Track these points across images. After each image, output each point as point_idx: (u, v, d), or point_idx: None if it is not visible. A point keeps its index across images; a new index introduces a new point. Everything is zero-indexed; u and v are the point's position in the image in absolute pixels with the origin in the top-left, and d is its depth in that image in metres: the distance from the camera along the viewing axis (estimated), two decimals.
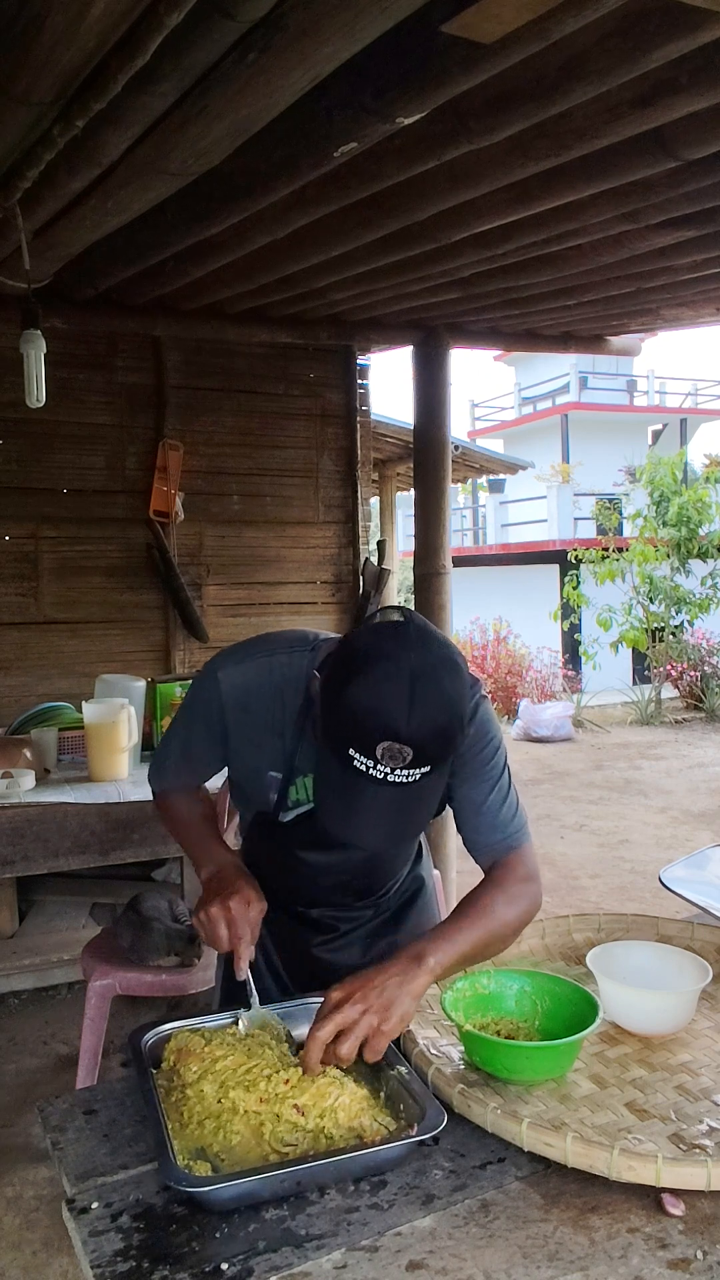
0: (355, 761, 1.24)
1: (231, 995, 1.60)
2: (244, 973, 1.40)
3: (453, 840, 4.30)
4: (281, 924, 1.67)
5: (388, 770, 1.23)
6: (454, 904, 1.49)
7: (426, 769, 1.25)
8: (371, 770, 1.23)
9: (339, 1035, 1.21)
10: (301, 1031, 1.40)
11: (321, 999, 1.28)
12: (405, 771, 1.24)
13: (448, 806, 1.63)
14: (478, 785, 1.52)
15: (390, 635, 1.28)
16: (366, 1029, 1.20)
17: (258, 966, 1.58)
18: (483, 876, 1.51)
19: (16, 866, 3.10)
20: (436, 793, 1.34)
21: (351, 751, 1.24)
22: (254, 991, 1.40)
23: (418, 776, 1.25)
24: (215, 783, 1.91)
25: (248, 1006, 1.40)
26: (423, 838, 1.81)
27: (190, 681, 1.70)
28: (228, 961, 1.62)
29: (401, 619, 1.31)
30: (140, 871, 4.08)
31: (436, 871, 1.85)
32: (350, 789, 1.27)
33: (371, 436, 5.28)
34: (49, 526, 4.37)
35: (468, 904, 1.44)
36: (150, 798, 1.76)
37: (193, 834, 1.67)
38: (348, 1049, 1.19)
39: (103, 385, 4.43)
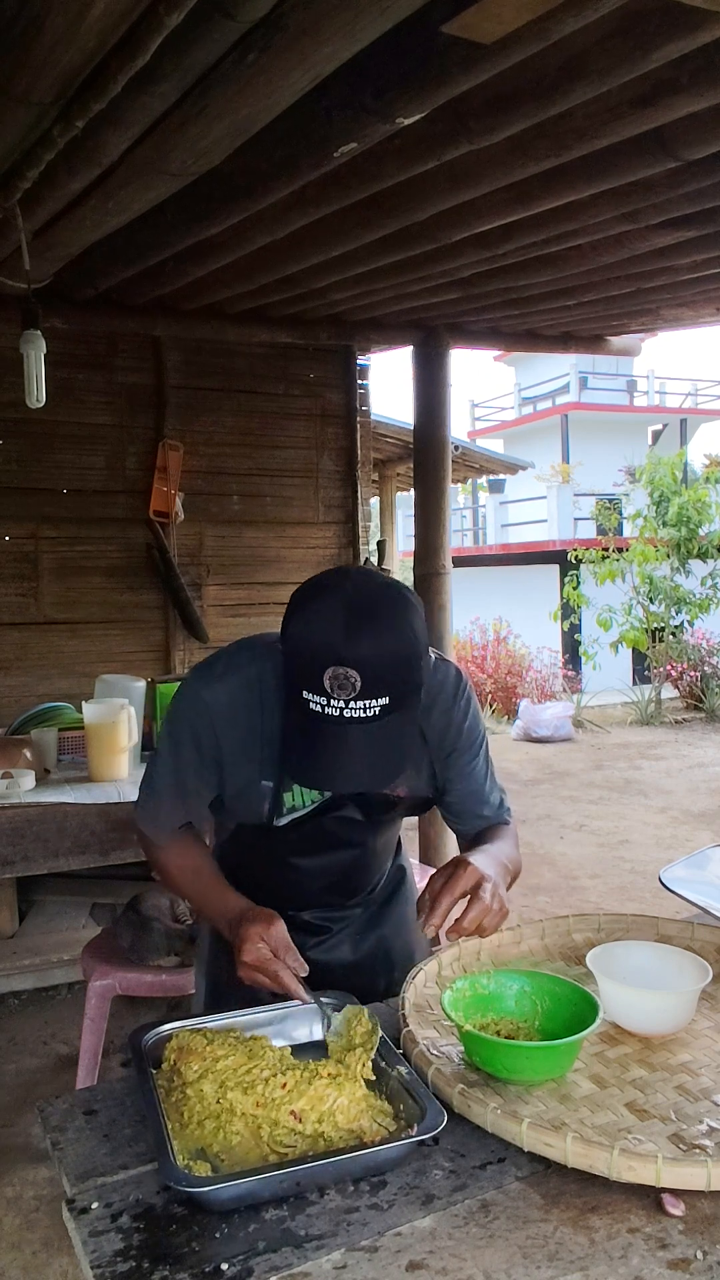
0: (311, 704, 1.24)
1: (220, 1002, 1.59)
2: (305, 998, 1.35)
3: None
4: None
5: (342, 705, 1.23)
6: None
7: (384, 700, 1.24)
8: (327, 709, 1.23)
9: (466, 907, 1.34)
10: (302, 1033, 1.40)
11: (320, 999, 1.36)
12: (361, 704, 1.23)
13: (433, 805, 1.65)
14: (471, 771, 1.60)
15: (329, 575, 1.33)
16: (485, 901, 1.35)
17: (249, 990, 1.52)
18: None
19: (16, 866, 3.10)
20: (407, 738, 1.33)
21: (305, 694, 1.24)
22: (323, 999, 1.37)
23: (376, 710, 1.24)
24: None
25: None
26: (401, 828, 1.80)
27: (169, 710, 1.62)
28: (211, 971, 1.61)
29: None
30: (140, 871, 4.07)
31: (413, 860, 1.85)
32: (312, 735, 1.27)
33: (371, 436, 5.28)
34: (49, 526, 4.38)
35: (495, 834, 1.58)
36: None
37: (193, 881, 1.58)
38: (478, 913, 1.34)
39: (103, 385, 4.43)
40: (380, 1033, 1.28)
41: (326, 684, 1.22)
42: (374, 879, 1.73)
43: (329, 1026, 1.33)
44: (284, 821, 1.53)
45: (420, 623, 1.34)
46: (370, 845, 1.64)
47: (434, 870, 1.48)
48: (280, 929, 1.37)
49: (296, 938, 1.64)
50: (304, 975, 1.34)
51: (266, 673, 1.47)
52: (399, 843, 1.81)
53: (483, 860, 1.44)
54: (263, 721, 1.47)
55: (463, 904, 1.39)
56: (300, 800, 1.53)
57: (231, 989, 1.53)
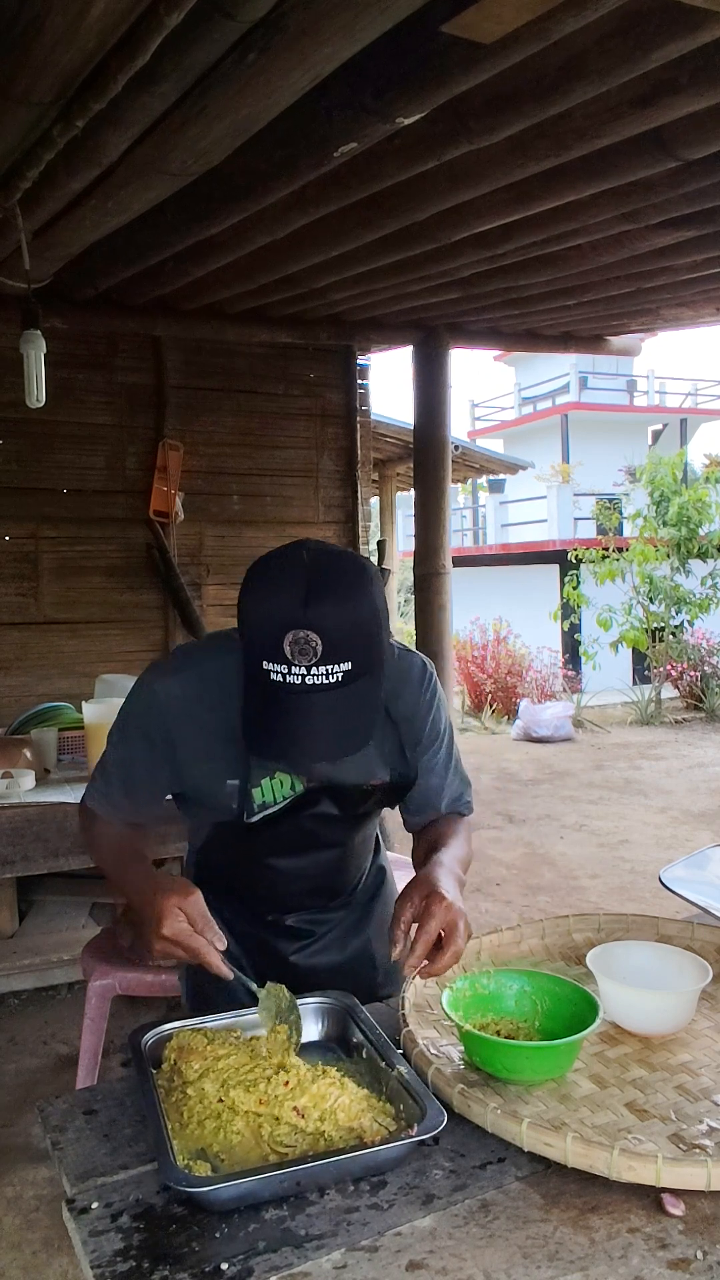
0: (272, 674, 1.22)
1: (204, 1002, 1.56)
2: (229, 974, 1.28)
3: None
4: (257, 937, 1.63)
5: (303, 672, 1.20)
6: None
7: (346, 666, 1.22)
8: (288, 677, 1.21)
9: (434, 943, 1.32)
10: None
11: (320, 1000, 1.37)
12: (322, 670, 1.21)
13: (406, 793, 1.61)
14: (433, 765, 1.59)
15: (284, 546, 1.31)
16: (460, 935, 1.33)
17: (230, 983, 1.44)
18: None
19: (16, 866, 3.09)
20: (372, 708, 1.29)
21: (265, 665, 1.22)
22: (249, 972, 1.33)
23: (339, 677, 1.22)
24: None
25: (252, 1001, 1.32)
26: (380, 827, 1.77)
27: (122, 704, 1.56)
28: (192, 971, 1.57)
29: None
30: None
31: (391, 856, 1.84)
32: (273, 707, 1.24)
33: (371, 436, 5.28)
34: (49, 526, 4.38)
35: (446, 834, 1.56)
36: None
37: (122, 866, 1.47)
38: (450, 958, 1.32)
39: (103, 385, 4.43)
40: (297, 1009, 1.30)
41: (287, 650, 1.20)
42: (355, 879, 1.70)
43: (256, 1002, 1.32)
44: (256, 819, 1.49)
45: (380, 591, 1.31)
46: (349, 844, 1.61)
47: (409, 883, 1.44)
48: (198, 900, 1.28)
49: (278, 944, 1.62)
50: (223, 949, 1.27)
51: (227, 667, 1.40)
52: (378, 841, 1.79)
53: (451, 888, 1.39)
54: (222, 718, 1.41)
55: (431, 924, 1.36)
56: (271, 796, 1.49)
57: (215, 988, 1.49)
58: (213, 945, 1.26)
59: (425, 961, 1.33)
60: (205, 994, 1.60)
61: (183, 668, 1.47)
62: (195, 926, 1.26)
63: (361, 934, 1.69)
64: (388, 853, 1.85)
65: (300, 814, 1.50)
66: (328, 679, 1.22)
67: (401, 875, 1.64)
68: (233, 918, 1.62)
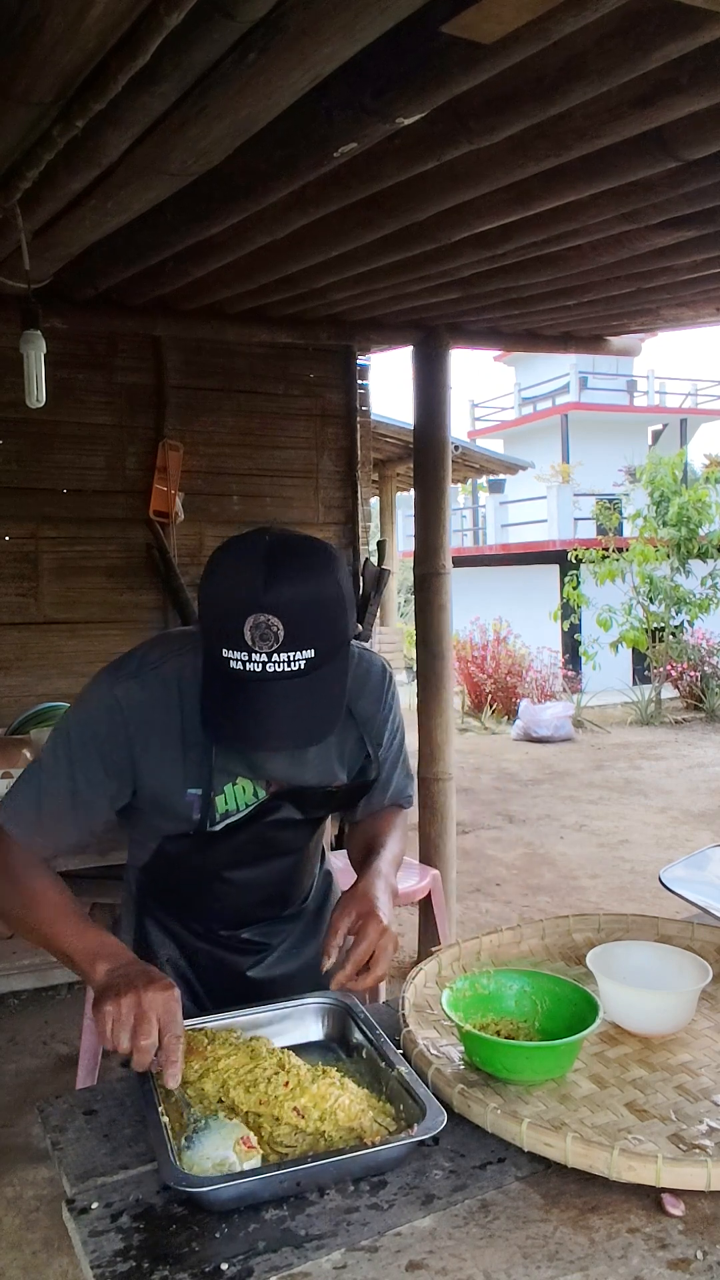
0: (232, 663, 1.17)
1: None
2: (177, 1079, 1.17)
3: (452, 840, 4.31)
4: (209, 954, 1.59)
5: (264, 659, 1.16)
6: (453, 906, 1.52)
7: (309, 654, 1.18)
8: (249, 664, 1.17)
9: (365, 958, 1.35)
10: (298, 1034, 1.40)
11: (319, 1000, 1.37)
12: (284, 657, 1.17)
13: (362, 797, 1.61)
14: (389, 752, 1.58)
15: (245, 534, 1.26)
16: (389, 953, 1.37)
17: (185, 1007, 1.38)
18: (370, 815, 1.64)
19: None
20: (338, 696, 1.25)
21: (225, 653, 1.18)
22: (203, 998, 1.26)
23: (301, 664, 1.18)
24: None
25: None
26: (325, 835, 1.75)
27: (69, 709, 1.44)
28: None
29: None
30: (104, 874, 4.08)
31: (339, 862, 1.83)
32: (235, 696, 1.19)
33: (371, 436, 5.28)
34: (49, 526, 4.37)
35: (383, 831, 1.59)
36: None
37: (64, 914, 1.34)
38: (373, 980, 1.36)
39: (103, 385, 4.43)
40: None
41: (248, 635, 1.16)
42: (308, 887, 1.68)
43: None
44: (219, 827, 1.43)
45: (344, 574, 1.27)
46: (304, 851, 1.59)
47: (346, 894, 1.46)
48: (175, 992, 1.20)
49: (234, 959, 1.58)
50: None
51: (186, 668, 1.36)
52: (323, 847, 1.78)
53: (386, 905, 1.42)
54: (183, 722, 1.36)
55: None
56: (234, 804, 1.43)
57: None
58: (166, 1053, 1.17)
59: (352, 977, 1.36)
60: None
61: (142, 670, 1.39)
62: (162, 1041, 1.17)
63: (313, 942, 1.66)
64: (331, 856, 1.84)
65: (261, 821, 1.45)
66: (290, 666, 1.18)
67: (343, 875, 1.65)
68: (183, 935, 1.58)
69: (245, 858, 1.49)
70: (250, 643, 1.16)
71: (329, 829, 1.72)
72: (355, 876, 1.53)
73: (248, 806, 1.44)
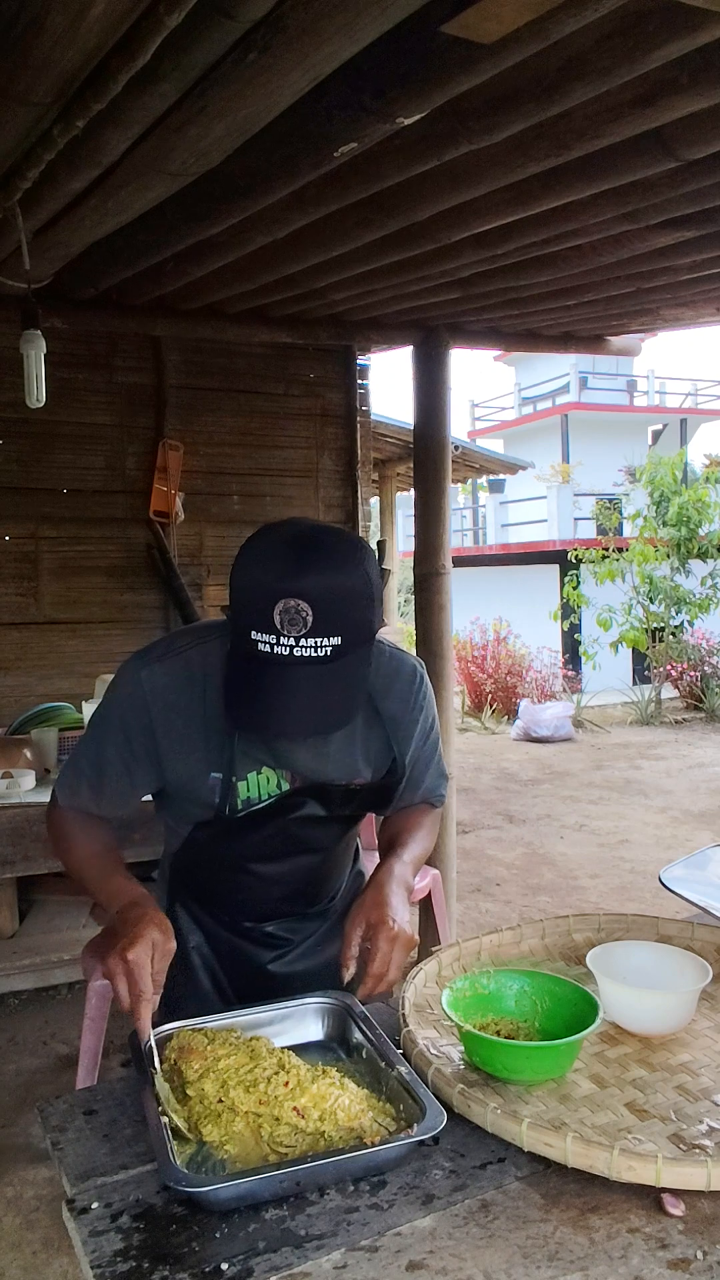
0: (260, 644, 1.19)
1: (171, 1010, 1.50)
2: (146, 1034, 1.23)
3: (452, 840, 4.31)
4: (232, 945, 1.60)
5: (293, 642, 1.18)
6: (453, 906, 1.53)
7: (336, 641, 1.20)
8: (277, 648, 1.18)
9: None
10: (302, 1033, 1.40)
11: (320, 1000, 1.38)
12: (312, 642, 1.18)
13: (392, 798, 1.61)
14: (422, 752, 1.59)
15: (270, 525, 1.31)
16: (401, 959, 1.38)
17: (204, 991, 1.47)
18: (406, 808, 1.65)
19: (16, 866, 3.10)
20: (359, 686, 1.27)
21: (254, 634, 1.19)
22: (157, 1064, 1.24)
23: (328, 650, 1.20)
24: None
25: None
26: (360, 832, 1.77)
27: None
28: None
29: None
30: (141, 872, 4.07)
31: (368, 864, 1.85)
32: (259, 677, 1.21)
33: (371, 436, 5.28)
34: (49, 526, 4.38)
35: (408, 829, 1.59)
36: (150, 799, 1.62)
37: (96, 865, 1.47)
38: (385, 986, 1.38)
39: (103, 385, 4.44)
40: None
41: (277, 619, 1.17)
42: (335, 887, 1.69)
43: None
44: (241, 814, 1.46)
45: (374, 566, 1.29)
46: (332, 850, 1.60)
47: (360, 900, 1.46)
48: (171, 951, 1.28)
49: (256, 951, 1.59)
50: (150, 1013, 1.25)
51: (211, 655, 1.39)
52: (357, 848, 1.78)
53: (401, 910, 1.43)
54: (206, 709, 1.39)
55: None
56: (257, 792, 1.46)
57: (182, 997, 1.50)
58: (150, 1000, 1.23)
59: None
60: (172, 1005, 1.51)
61: (167, 655, 1.43)
62: (133, 983, 1.23)
63: (336, 941, 1.64)
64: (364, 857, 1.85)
65: (286, 816, 1.48)
66: (316, 652, 1.19)
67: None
68: (210, 924, 1.60)
69: (270, 851, 1.51)
70: (279, 626, 1.18)
71: (362, 831, 1.71)
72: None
73: (270, 797, 1.46)
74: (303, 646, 1.19)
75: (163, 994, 1.43)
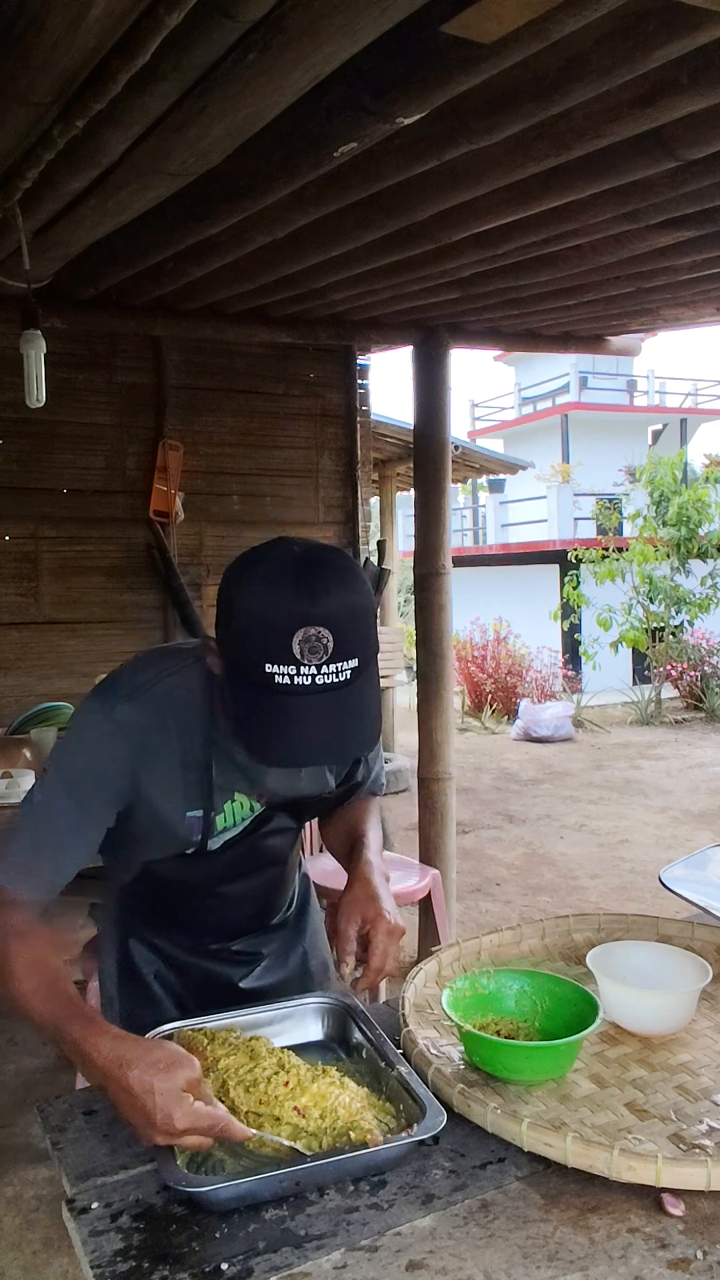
0: (278, 678, 1.13)
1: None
2: (250, 1133, 1.10)
3: (452, 840, 4.31)
4: (200, 968, 1.58)
5: (314, 672, 1.13)
6: (453, 906, 1.54)
7: (354, 663, 1.16)
8: (297, 679, 1.13)
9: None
10: (298, 1034, 1.40)
11: (320, 1000, 1.38)
12: (333, 668, 1.14)
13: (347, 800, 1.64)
14: (365, 760, 1.61)
15: (261, 547, 1.23)
16: (396, 950, 1.40)
17: (171, 1018, 1.37)
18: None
19: None
20: (377, 699, 1.23)
21: (269, 668, 1.13)
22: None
23: (348, 674, 1.15)
24: None
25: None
26: (383, 827, 1.81)
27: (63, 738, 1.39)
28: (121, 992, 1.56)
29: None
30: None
31: (328, 864, 1.86)
32: (283, 714, 1.15)
33: (371, 436, 5.29)
34: (49, 526, 4.38)
35: (361, 819, 1.60)
36: None
37: (49, 1002, 1.17)
38: (388, 970, 1.40)
39: (103, 385, 4.44)
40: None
41: (297, 650, 1.12)
42: (291, 893, 1.70)
43: None
44: (217, 845, 1.43)
45: (359, 566, 1.27)
46: (291, 859, 1.61)
47: (349, 894, 1.45)
48: (197, 1068, 1.09)
49: (225, 971, 1.58)
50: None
51: (177, 688, 1.33)
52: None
53: (389, 901, 1.44)
54: (179, 744, 1.34)
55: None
56: (232, 820, 1.43)
57: (149, 1026, 1.37)
58: (224, 1118, 1.07)
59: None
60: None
61: (135, 693, 1.33)
62: (201, 1099, 1.07)
63: (298, 948, 1.69)
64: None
65: (256, 833, 1.46)
66: (337, 677, 1.15)
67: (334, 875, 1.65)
68: (170, 951, 1.58)
69: (238, 871, 1.50)
70: (299, 656, 1.13)
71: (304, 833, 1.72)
72: (346, 872, 1.54)
73: (243, 820, 1.45)
74: (324, 674, 1.14)
75: (127, 1025, 1.28)
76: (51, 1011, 1.15)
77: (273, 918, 1.65)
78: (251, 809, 1.45)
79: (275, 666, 1.13)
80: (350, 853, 1.56)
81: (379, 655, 1.29)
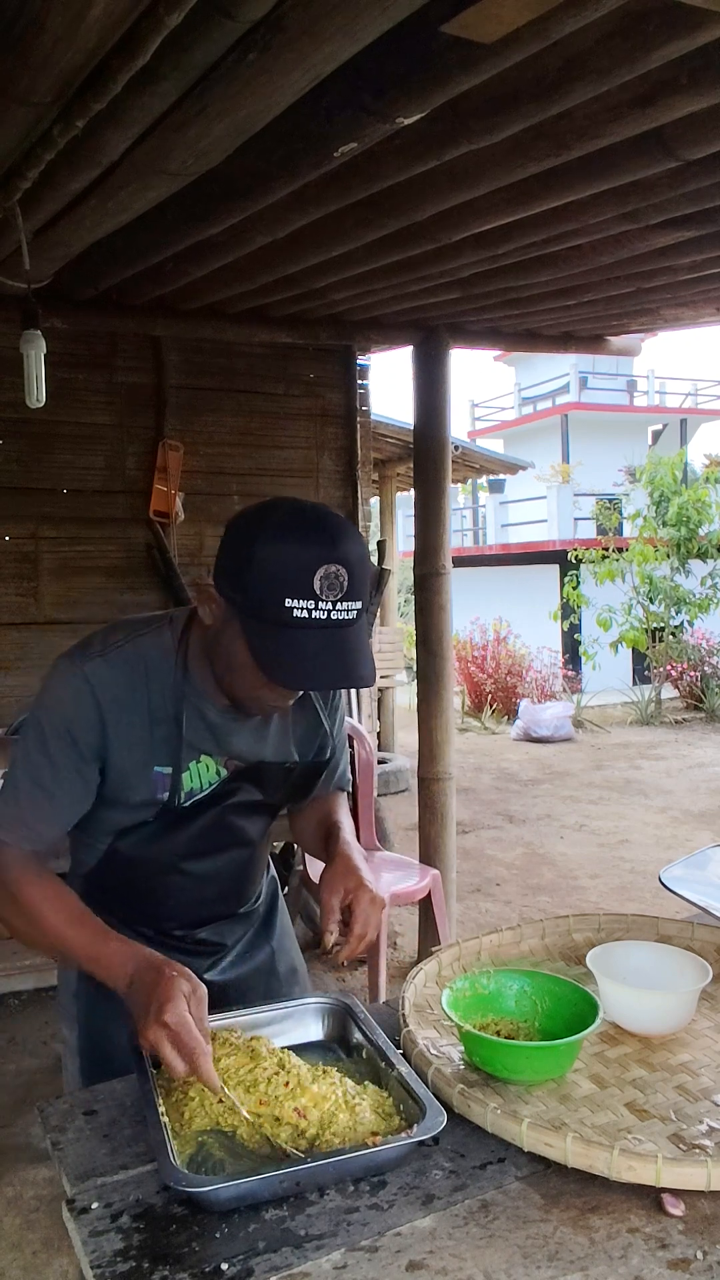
0: (296, 612, 1.23)
1: (100, 1072, 1.44)
2: (217, 1085, 1.16)
3: (452, 840, 4.31)
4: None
5: (330, 607, 1.24)
6: (453, 906, 1.55)
7: (358, 605, 1.27)
8: (315, 612, 1.23)
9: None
10: (298, 1034, 1.40)
11: (320, 1000, 1.40)
12: (345, 606, 1.25)
13: (313, 789, 1.68)
14: (337, 739, 1.66)
15: (264, 505, 1.33)
16: (378, 919, 1.45)
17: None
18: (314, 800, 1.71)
19: None
20: (369, 645, 1.35)
21: (289, 602, 1.23)
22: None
23: (355, 614, 1.27)
24: None
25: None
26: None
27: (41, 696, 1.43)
28: (88, 1042, 1.56)
29: None
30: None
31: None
32: (306, 642, 1.25)
33: (371, 436, 5.28)
34: (49, 526, 4.37)
35: (332, 811, 1.67)
36: None
37: (76, 931, 1.35)
38: (371, 939, 1.44)
39: (103, 385, 4.43)
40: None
41: (317, 585, 1.23)
42: (260, 885, 1.71)
43: None
44: (187, 804, 1.46)
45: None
46: (259, 843, 1.63)
47: (332, 869, 1.50)
48: (204, 995, 1.22)
49: (190, 961, 1.53)
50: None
51: (150, 648, 1.42)
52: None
53: (370, 876, 1.49)
54: (150, 700, 1.40)
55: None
56: (198, 782, 1.47)
57: (111, 1059, 1.44)
58: (207, 1052, 1.17)
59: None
60: (99, 1072, 1.46)
61: (107, 649, 1.40)
62: (196, 1020, 1.18)
63: (265, 946, 1.70)
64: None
65: (222, 803, 1.50)
66: (347, 615, 1.26)
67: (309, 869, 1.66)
68: (138, 939, 1.54)
69: (205, 846, 1.52)
70: (319, 591, 1.23)
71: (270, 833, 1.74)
72: (321, 863, 1.59)
73: (210, 785, 1.48)
74: (338, 610, 1.24)
75: (89, 1057, 1.50)
76: (86, 936, 1.34)
77: (239, 905, 1.66)
78: (218, 773, 1.49)
79: (295, 601, 1.23)
80: (326, 838, 1.63)
81: (378, 655, 1.32)
